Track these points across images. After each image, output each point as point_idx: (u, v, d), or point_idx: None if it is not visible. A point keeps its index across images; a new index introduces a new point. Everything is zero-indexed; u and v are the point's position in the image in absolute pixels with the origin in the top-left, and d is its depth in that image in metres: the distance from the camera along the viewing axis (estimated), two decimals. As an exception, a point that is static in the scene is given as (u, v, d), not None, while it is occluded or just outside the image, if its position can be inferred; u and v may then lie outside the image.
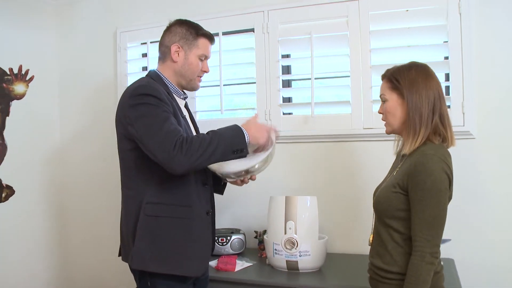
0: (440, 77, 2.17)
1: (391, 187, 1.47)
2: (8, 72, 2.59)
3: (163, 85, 1.73)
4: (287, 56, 2.47)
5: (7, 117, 2.57)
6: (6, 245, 2.54)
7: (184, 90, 1.85)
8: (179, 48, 1.75)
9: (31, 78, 2.72)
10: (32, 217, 2.71)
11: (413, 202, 1.39)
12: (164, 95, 1.62)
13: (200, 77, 1.84)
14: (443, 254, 2.01)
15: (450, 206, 2.03)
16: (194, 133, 1.84)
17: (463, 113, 2.04)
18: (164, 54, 1.78)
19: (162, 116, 1.54)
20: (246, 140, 1.60)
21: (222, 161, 1.60)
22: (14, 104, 2.62)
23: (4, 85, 2.57)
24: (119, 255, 1.79)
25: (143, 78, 1.77)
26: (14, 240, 2.59)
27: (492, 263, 2.04)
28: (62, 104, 2.91)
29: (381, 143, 2.17)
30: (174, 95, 1.77)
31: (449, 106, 2.07)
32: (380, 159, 2.17)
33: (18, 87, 2.65)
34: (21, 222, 2.63)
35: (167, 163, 1.50)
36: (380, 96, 1.57)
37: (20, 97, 2.66)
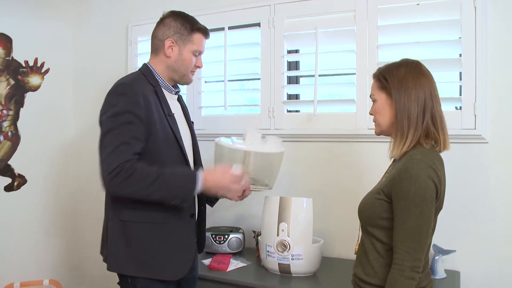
0: (453, 76, 2.05)
1: (376, 193, 1.38)
2: (24, 65, 2.65)
3: (154, 81, 1.69)
4: (295, 51, 2.39)
5: (21, 108, 2.64)
6: (17, 232, 2.61)
7: (178, 84, 1.81)
8: (173, 43, 1.70)
9: (47, 71, 2.78)
10: (43, 206, 2.78)
11: (395, 211, 1.30)
12: (142, 97, 1.56)
13: (193, 72, 1.80)
14: (447, 266, 1.91)
15: (457, 215, 1.93)
16: (187, 131, 1.80)
17: (475, 115, 1.89)
18: (157, 48, 1.74)
19: (123, 131, 1.51)
20: (195, 191, 1.55)
21: (159, 203, 1.55)
22: (29, 95, 2.68)
23: (20, 77, 2.63)
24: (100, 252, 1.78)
25: (134, 73, 1.76)
26: (25, 228, 2.66)
27: (501, 277, 1.89)
28: (76, 96, 2.95)
29: (386, 145, 2.02)
30: (164, 90, 1.73)
31: (460, 108, 1.94)
32: (384, 161, 2.04)
33: (34, 79, 2.71)
34: (32, 210, 2.70)
35: (103, 183, 1.51)
36: (370, 96, 1.49)
37: (35, 89, 2.72)
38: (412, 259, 1.25)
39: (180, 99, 1.87)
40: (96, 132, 2.81)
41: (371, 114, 1.50)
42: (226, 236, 2.21)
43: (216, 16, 2.38)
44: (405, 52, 2.01)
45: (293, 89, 2.37)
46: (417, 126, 1.34)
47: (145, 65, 1.76)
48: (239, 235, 2.23)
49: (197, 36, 1.74)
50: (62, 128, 2.90)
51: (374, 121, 1.48)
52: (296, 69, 2.40)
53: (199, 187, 1.54)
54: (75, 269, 2.95)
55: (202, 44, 1.77)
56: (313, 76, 2.27)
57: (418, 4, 1.98)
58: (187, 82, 1.80)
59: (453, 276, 1.88)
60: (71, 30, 2.94)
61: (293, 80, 2.41)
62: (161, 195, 1.52)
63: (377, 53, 2.06)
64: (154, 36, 1.76)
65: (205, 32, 1.77)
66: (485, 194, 1.92)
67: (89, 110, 2.89)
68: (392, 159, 1.50)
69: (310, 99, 2.23)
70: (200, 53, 1.78)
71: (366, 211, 1.40)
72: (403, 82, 1.36)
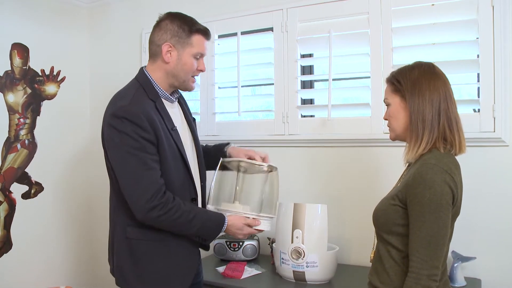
0: (471, 77, 1.99)
1: (390, 199, 1.34)
2: (40, 73, 2.69)
3: (153, 94, 1.62)
4: (309, 55, 2.36)
5: (38, 117, 2.67)
6: (34, 240, 2.63)
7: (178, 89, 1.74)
8: (171, 47, 1.60)
9: (63, 79, 2.81)
10: (60, 213, 2.80)
11: (411, 217, 1.26)
12: (146, 118, 1.52)
13: (194, 76, 1.70)
14: (468, 273, 1.85)
15: (476, 221, 1.87)
16: (189, 139, 1.76)
17: (494, 118, 1.83)
18: (155, 53, 1.64)
19: (141, 157, 1.50)
20: (218, 235, 1.67)
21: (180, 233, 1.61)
22: (45, 104, 2.71)
23: (36, 85, 2.67)
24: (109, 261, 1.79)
25: (132, 86, 1.66)
26: (41, 236, 2.68)
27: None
28: (92, 104, 2.98)
29: (401, 149, 1.98)
30: (164, 101, 1.66)
31: (478, 110, 1.88)
32: (400, 166, 1.99)
33: (50, 88, 2.74)
34: (49, 217, 2.72)
35: (137, 212, 1.51)
36: (383, 101, 1.45)
37: (51, 97, 2.75)
38: (429, 267, 1.20)
39: (180, 100, 1.80)
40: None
41: (385, 119, 1.47)
42: (241, 243, 2.18)
43: (229, 21, 2.37)
44: (420, 54, 1.98)
45: (307, 94, 2.34)
46: (432, 128, 1.30)
47: (142, 72, 1.67)
48: (254, 242, 2.21)
49: (197, 38, 1.63)
50: (78, 136, 2.93)
51: (389, 126, 1.45)
52: (310, 73, 2.38)
53: (223, 232, 1.65)
54: (91, 275, 2.97)
55: (203, 46, 1.66)
56: (325, 80, 2.24)
57: (433, 4, 1.93)
58: (188, 88, 1.70)
59: (474, 284, 1.82)
60: (86, 38, 2.98)
61: (307, 85, 2.38)
62: (191, 233, 1.61)
63: (391, 55, 2.01)
64: (151, 41, 1.66)
65: (205, 33, 1.67)
66: (505, 198, 1.86)
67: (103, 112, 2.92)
68: (407, 164, 1.46)
69: (325, 103, 2.21)
70: (201, 55, 1.67)
71: (380, 218, 1.37)
72: (416, 84, 1.33)
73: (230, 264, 2.09)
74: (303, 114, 2.29)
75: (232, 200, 1.79)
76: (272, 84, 2.32)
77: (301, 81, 2.30)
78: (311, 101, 2.40)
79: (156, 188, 1.50)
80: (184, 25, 1.62)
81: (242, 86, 2.38)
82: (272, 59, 2.30)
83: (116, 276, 1.66)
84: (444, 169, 1.24)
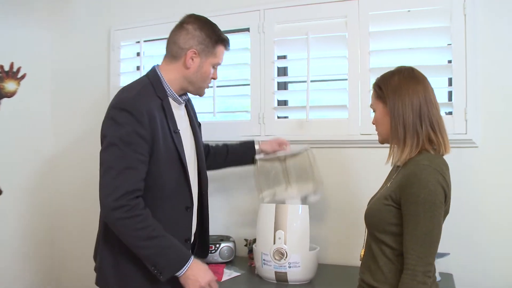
0: (443, 81, 2.08)
1: (383, 199, 1.37)
2: (-1, 69, 2.53)
3: (162, 92, 1.59)
4: (283, 57, 2.38)
5: (-4, 115, 2.51)
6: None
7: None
8: (195, 54, 1.59)
9: (23, 76, 2.65)
10: (20, 217, 2.64)
11: (405, 217, 1.29)
12: (147, 114, 1.48)
13: (209, 83, 1.72)
14: (441, 268, 1.93)
15: (449, 218, 1.93)
16: (191, 143, 1.73)
17: (466, 120, 1.92)
18: (175, 56, 1.61)
19: (127, 153, 1.44)
20: (177, 272, 1.49)
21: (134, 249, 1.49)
22: (5, 102, 2.55)
23: (-6, 82, 2.51)
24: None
25: (141, 81, 1.62)
26: (1, 241, 2.52)
27: (493, 279, 1.92)
28: (54, 103, 2.83)
29: (378, 150, 2.01)
30: (172, 101, 1.63)
31: (451, 113, 1.97)
32: (377, 166, 2.03)
33: (9, 85, 2.59)
34: (8, 222, 2.56)
35: (102, 207, 1.45)
36: (370, 106, 1.51)
37: (11, 95, 2.59)
38: (424, 264, 1.24)
39: (187, 104, 1.78)
40: (75, 139, 2.76)
41: (373, 124, 1.51)
42: (217, 245, 2.16)
43: (205, 21, 2.34)
44: (396, 58, 2.05)
45: (283, 95, 2.35)
46: (416, 132, 1.35)
47: (154, 70, 1.64)
48: (230, 244, 2.19)
49: (220, 49, 1.66)
50: (39, 137, 2.78)
51: (377, 131, 1.50)
52: (284, 75, 2.39)
53: (183, 271, 1.50)
54: (54, 281, 2.82)
55: (222, 56, 1.69)
56: (302, 82, 2.26)
57: (409, 11, 2.00)
58: (200, 94, 1.72)
59: (447, 278, 1.90)
60: (49, 34, 2.82)
61: (281, 86, 2.39)
62: (146, 255, 1.47)
63: (368, 59, 2.06)
64: (173, 42, 1.63)
65: (227, 44, 1.69)
66: (475, 197, 1.95)
67: (69, 119, 2.79)
68: (394, 165, 1.49)
69: (299, 105, 2.22)
70: (218, 65, 1.70)
71: (373, 217, 1.39)
72: (397, 90, 1.37)
73: (209, 267, 2.04)
74: (278, 116, 2.30)
75: (285, 188, 1.99)
76: (248, 84, 2.31)
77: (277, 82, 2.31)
78: (284, 103, 2.41)
79: (129, 189, 1.43)
80: (212, 35, 1.63)
81: (217, 87, 2.35)
82: (249, 60, 2.29)
83: (98, 275, 1.61)
84: (437, 169, 1.28)
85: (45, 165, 2.79)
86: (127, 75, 2.61)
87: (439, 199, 1.26)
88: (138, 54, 2.65)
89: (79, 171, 2.76)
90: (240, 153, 1.97)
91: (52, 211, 2.83)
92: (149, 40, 2.52)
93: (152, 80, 1.61)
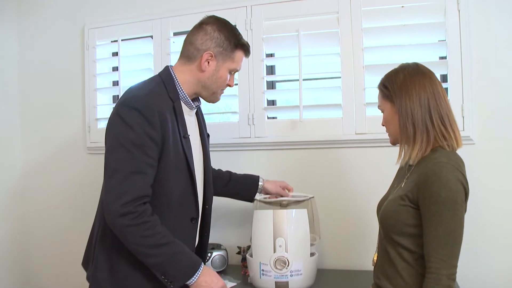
0: (438, 78, 2.04)
1: (399, 199, 1.30)
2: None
3: (174, 94, 1.49)
4: (271, 55, 2.29)
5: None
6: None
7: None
8: (212, 56, 1.50)
9: (-12, 79, 2.45)
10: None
11: (425, 217, 1.23)
12: (159, 115, 1.38)
13: (223, 90, 1.61)
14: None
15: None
16: (199, 150, 1.62)
17: (463, 117, 1.90)
18: (191, 56, 1.52)
19: (136, 156, 1.34)
20: (188, 280, 1.40)
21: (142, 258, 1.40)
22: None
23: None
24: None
25: (154, 80, 1.52)
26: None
27: (484, 278, 1.91)
28: (23, 105, 2.62)
29: (374, 149, 2.01)
30: (183, 105, 1.53)
31: (447, 109, 1.93)
32: (373, 166, 2.02)
33: (-28, 88, 2.38)
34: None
35: (107, 212, 1.34)
36: (378, 107, 1.45)
37: (-26, 99, 2.38)
38: (448, 267, 1.19)
39: (198, 111, 1.68)
40: (45, 143, 2.55)
41: (383, 125, 1.45)
42: (209, 254, 2.04)
43: (188, 17, 2.20)
44: (391, 54, 2.01)
45: (272, 95, 2.26)
46: (425, 128, 1.29)
47: (167, 70, 1.54)
48: (222, 252, 2.08)
49: (239, 54, 1.56)
50: (7, 145, 2.57)
51: (387, 132, 1.44)
52: (272, 74, 2.30)
53: (194, 278, 1.41)
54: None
55: (241, 62, 1.59)
56: (292, 80, 2.19)
57: (402, 6, 1.96)
58: (213, 100, 1.61)
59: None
60: (16, 32, 2.61)
61: (269, 86, 2.30)
62: (155, 263, 1.38)
63: (362, 55, 2.01)
64: (190, 42, 1.53)
65: (247, 50, 1.59)
66: (473, 194, 1.89)
67: (39, 126, 2.58)
68: (405, 164, 1.42)
69: (289, 104, 2.14)
70: (236, 71, 1.60)
71: (390, 219, 1.32)
72: (403, 86, 1.32)
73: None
74: (268, 116, 2.21)
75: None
76: (236, 84, 2.20)
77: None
78: (273, 102, 2.32)
79: (137, 195, 1.33)
80: (232, 38, 1.52)
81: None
82: (236, 58, 2.19)
83: (92, 283, 1.48)
84: (455, 166, 1.23)
85: (13, 170, 2.59)
86: (104, 77, 2.46)
87: (461, 198, 1.21)
88: (113, 54, 2.50)
89: (49, 176, 2.58)
90: (242, 185, 1.86)
91: (24, 219, 2.62)
92: (126, 39, 2.37)
93: (164, 79, 1.50)
